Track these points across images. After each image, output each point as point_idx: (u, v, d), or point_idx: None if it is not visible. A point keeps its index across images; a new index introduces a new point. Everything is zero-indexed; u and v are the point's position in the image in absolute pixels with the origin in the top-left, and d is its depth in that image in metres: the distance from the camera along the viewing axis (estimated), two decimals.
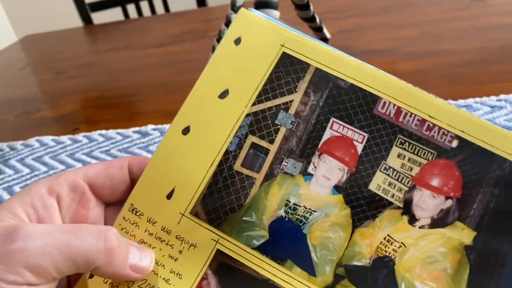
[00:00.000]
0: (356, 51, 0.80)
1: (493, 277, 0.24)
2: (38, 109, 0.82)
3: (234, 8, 0.62)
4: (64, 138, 0.65)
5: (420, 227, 0.25)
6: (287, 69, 0.28)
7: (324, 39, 0.87)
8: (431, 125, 0.26)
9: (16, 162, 0.61)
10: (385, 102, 0.27)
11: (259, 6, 0.62)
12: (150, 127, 0.63)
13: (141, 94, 0.79)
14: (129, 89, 0.82)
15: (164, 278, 0.26)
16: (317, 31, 0.81)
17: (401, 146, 0.26)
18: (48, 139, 0.66)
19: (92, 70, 0.95)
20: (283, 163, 0.27)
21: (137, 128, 0.63)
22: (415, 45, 0.77)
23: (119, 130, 0.64)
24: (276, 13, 0.64)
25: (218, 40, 0.75)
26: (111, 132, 0.64)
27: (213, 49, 0.83)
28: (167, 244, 0.26)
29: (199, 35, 1.02)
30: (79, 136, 0.65)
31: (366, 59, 0.87)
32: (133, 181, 0.27)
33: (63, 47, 1.14)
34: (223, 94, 0.28)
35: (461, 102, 0.56)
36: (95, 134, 0.64)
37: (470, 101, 0.56)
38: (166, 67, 0.88)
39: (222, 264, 0.26)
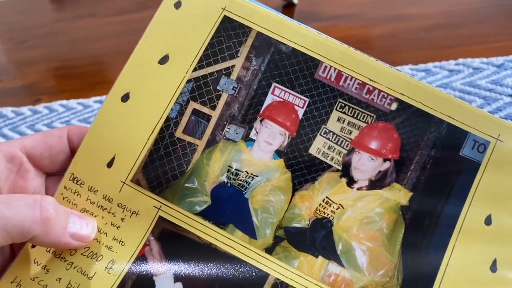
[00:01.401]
0: (323, 16, 0.80)
1: (427, 235, 0.25)
2: None
3: None
4: (24, 109, 0.64)
5: (358, 189, 0.26)
6: (229, 33, 0.27)
7: (291, 4, 0.86)
8: (371, 88, 0.26)
9: None
10: (326, 66, 0.27)
11: None
12: None
13: (103, 63, 0.78)
14: (91, 58, 0.80)
15: (107, 246, 0.26)
16: None
17: (341, 110, 0.26)
18: (7, 110, 0.64)
19: (54, 39, 0.92)
20: (225, 129, 0.27)
21: (98, 98, 0.62)
22: (381, 10, 0.76)
23: (80, 100, 0.63)
24: None
25: None
26: (72, 102, 0.62)
27: None
28: (109, 212, 0.26)
29: None
30: (40, 107, 0.63)
31: (333, 24, 0.85)
32: (73, 151, 0.27)
33: (24, 15, 1.10)
34: (163, 60, 0.27)
35: (421, 66, 0.56)
36: (55, 105, 0.63)
37: (429, 65, 0.56)
38: (130, 35, 0.86)
39: (164, 230, 0.26)
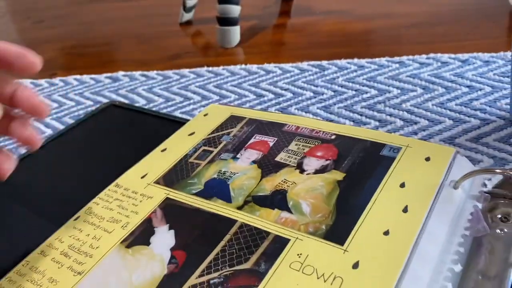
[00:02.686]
0: (316, 10, 0.89)
1: (355, 195, 0.33)
2: None
3: None
4: (42, 81, 0.72)
5: (307, 174, 0.36)
6: (232, 122, 0.44)
7: (289, 0, 0.96)
8: (317, 131, 0.40)
9: None
10: (289, 125, 0.42)
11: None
12: (120, 73, 0.71)
13: (113, 44, 0.86)
14: (102, 39, 0.89)
15: (125, 215, 0.36)
16: None
17: (297, 141, 0.40)
18: (27, 81, 0.73)
19: (69, 20, 1.02)
20: (221, 155, 0.40)
21: (109, 74, 0.71)
22: (369, 8, 0.84)
23: (93, 76, 0.71)
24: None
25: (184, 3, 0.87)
26: (85, 77, 0.71)
27: (183, 4, 0.90)
28: (133, 199, 0.37)
29: None
30: (56, 80, 0.72)
31: (324, 18, 0.94)
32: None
33: None
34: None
35: (396, 59, 0.63)
36: (70, 79, 0.71)
37: (403, 58, 0.63)
38: (138, 20, 0.96)
39: (167, 203, 0.36)
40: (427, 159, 0.35)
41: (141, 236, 0.33)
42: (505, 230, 0.32)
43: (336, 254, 0.29)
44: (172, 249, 0.32)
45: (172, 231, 0.33)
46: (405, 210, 0.31)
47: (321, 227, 0.31)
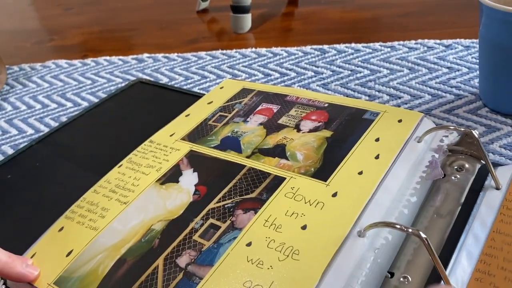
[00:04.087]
0: (321, 0, 0.97)
1: (339, 147, 0.42)
2: (51, 39, 0.97)
3: None
4: (76, 62, 0.83)
5: (302, 133, 0.45)
6: (244, 93, 0.54)
7: None
8: (313, 100, 0.49)
9: (37, 79, 0.78)
10: (290, 96, 0.51)
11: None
12: (145, 55, 0.81)
13: (138, 29, 0.95)
14: (127, 25, 0.97)
15: (159, 162, 0.45)
16: None
17: (297, 108, 0.49)
18: (62, 62, 0.83)
19: (96, 8, 1.11)
20: (234, 119, 0.49)
21: (135, 56, 0.81)
22: None
23: (120, 57, 0.82)
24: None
25: None
26: (114, 58, 0.82)
27: None
28: (164, 151, 0.47)
29: None
30: (88, 61, 0.83)
31: (328, 7, 1.06)
32: None
33: None
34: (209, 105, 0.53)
35: (388, 44, 0.72)
36: (101, 59, 0.82)
37: (395, 43, 0.72)
38: (159, 8, 1.05)
39: (192, 153, 0.45)
40: (400, 121, 0.44)
41: (171, 176, 0.43)
42: (458, 176, 0.41)
43: (320, 187, 0.38)
44: (196, 185, 0.41)
45: (196, 173, 0.43)
46: (377, 157, 0.40)
47: (310, 169, 0.40)
